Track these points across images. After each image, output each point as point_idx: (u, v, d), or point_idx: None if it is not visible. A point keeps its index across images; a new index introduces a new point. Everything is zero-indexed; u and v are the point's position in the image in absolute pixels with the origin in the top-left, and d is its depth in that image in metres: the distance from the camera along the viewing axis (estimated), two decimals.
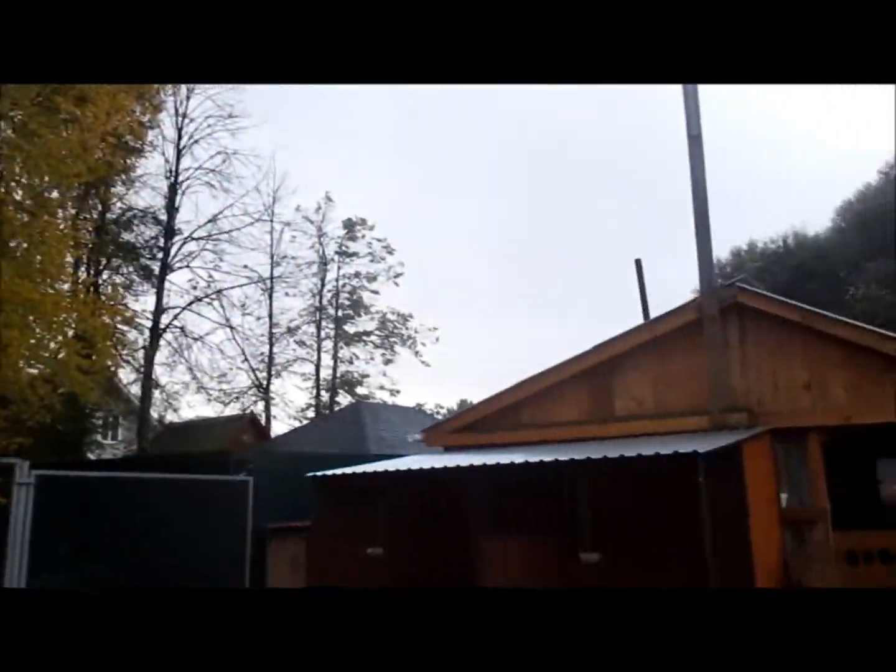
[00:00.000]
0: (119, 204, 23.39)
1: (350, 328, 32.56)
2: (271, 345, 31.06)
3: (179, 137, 25.34)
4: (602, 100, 62.73)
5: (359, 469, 8.93)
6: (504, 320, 64.21)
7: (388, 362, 32.59)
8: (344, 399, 31.75)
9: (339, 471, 8.99)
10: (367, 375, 32.97)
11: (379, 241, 32.39)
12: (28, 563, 7.70)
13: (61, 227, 11.96)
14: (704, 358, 8.43)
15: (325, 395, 32.46)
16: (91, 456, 22.16)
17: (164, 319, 24.00)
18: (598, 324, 40.58)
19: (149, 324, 23.29)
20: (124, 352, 23.06)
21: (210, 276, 25.84)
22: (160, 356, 24.53)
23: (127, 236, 24.20)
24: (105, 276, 24.00)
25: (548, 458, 7.18)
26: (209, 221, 25.80)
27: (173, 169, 25.12)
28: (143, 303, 24.65)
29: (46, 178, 10.46)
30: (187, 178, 25.37)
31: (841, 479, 8.56)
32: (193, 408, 60.18)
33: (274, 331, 31.24)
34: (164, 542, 9.11)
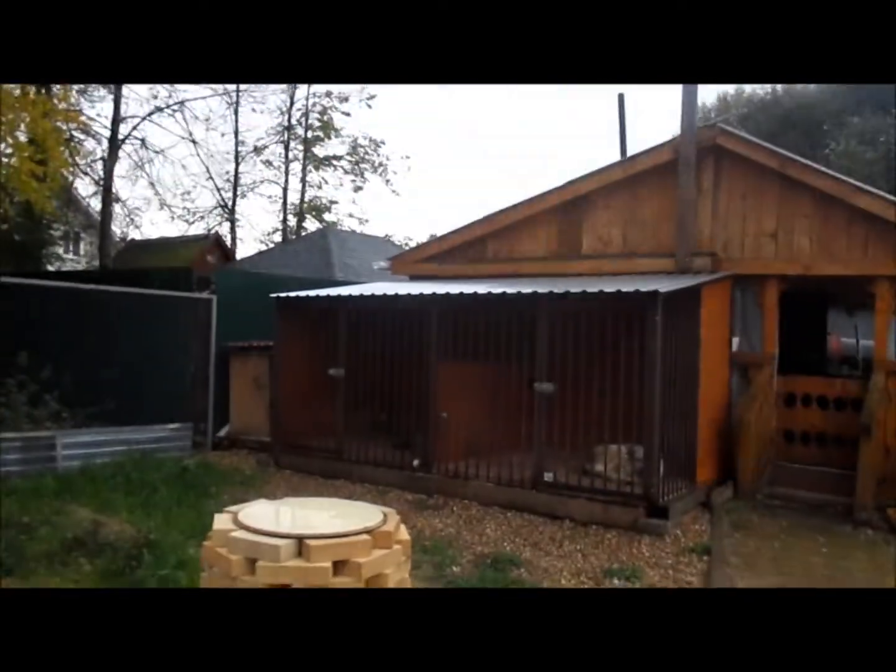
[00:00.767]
0: None
1: (319, 151, 31.38)
2: (237, 163, 29.94)
3: None
4: None
5: (323, 292, 8.94)
6: (485, 160, 62.52)
7: (357, 189, 31.83)
8: (311, 225, 31.22)
9: (303, 293, 9.00)
10: (335, 202, 32.27)
11: None
12: None
13: None
14: (676, 200, 8.34)
15: (292, 220, 31.90)
16: (51, 268, 21.82)
17: (123, 130, 22.82)
18: (583, 163, 39.71)
19: (107, 133, 22.17)
20: (81, 162, 22.11)
21: (171, 85, 24.31)
22: (120, 169, 23.58)
23: None
24: None
25: (511, 291, 7.24)
26: None
27: None
28: (100, 109, 23.30)
29: None
30: None
31: (793, 327, 8.83)
32: (157, 225, 59.14)
33: (240, 149, 30.02)
34: (125, 357, 9.18)
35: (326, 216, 31.80)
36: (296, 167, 31.52)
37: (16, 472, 7.49)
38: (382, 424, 8.96)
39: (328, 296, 8.64)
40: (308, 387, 8.78)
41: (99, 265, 23.03)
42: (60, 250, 26.62)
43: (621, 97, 11.45)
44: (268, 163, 30.90)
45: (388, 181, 31.72)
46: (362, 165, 31.29)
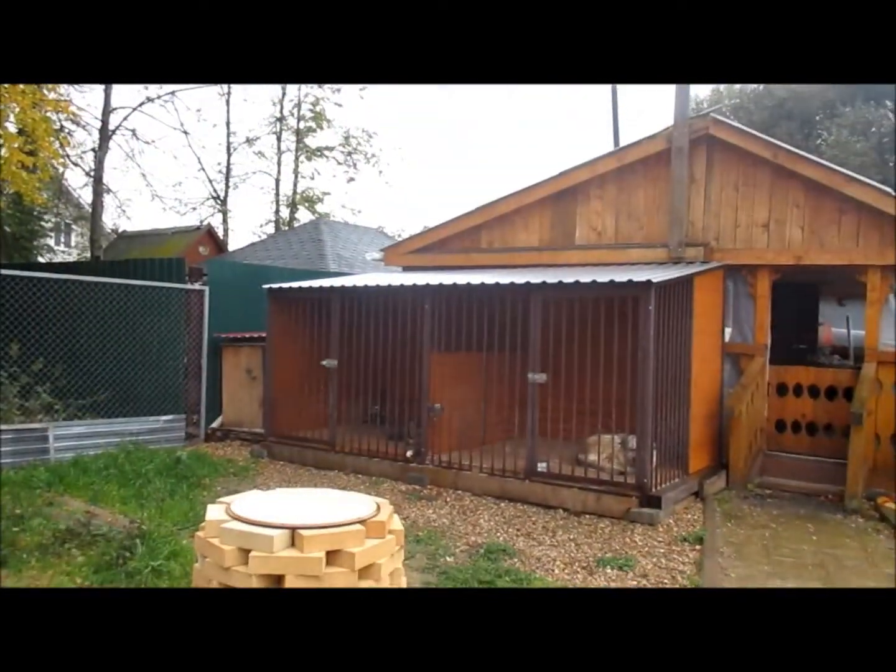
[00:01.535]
0: None
1: (312, 142, 31.28)
2: (229, 154, 29.86)
3: None
4: None
5: (316, 283, 8.93)
6: (479, 150, 62.32)
7: (350, 180, 31.73)
8: (304, 216, 31.13)
9: (296, 284, 8.99)
10: (328, 193, 32.21)
11: None
12: None
13: None
14: (669, 190, 8.35)
15: (284, 212, 31.80)
16: (42, 260, 21.69)
17: (114, 120, 22.66)
18: (578, 153, 39.61)
19: (97, 124, 22.00)
20: (72, 153, 21.95)
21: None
22: (111, 161, 23.41)
23: None
24: None
25: (504, 281, 7.24)
26: None
27: None
28: (90, 99, 23.11)
29: None
30: None
31: (785, 317, 8.88)
32: (148, 217, 58.85)
33: (231, 140, 29.93)
34: (117, 347, 9.14)
35: (319, 207, 31.72)
36: (288, 158, 31.41)
37: (8, 464, 7.47)
38: (375, 415, 8.96)
39: (321, 287, 8.62)
40: (301, 378, 8.78)
41: (90, 256, 22.91)
42: (52, 242, 26.49)
43: (614, 87, 11.44)
44: (260, 154, 30.78)
45: (380, 172, 31.67)
46: (355, 156, 31.19)
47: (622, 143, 11.67)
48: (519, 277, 7.42)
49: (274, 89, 29.75)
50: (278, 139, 30.78)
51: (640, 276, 6.69)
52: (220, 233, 29.27)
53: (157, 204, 27.17)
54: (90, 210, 23.75)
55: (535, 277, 7.29)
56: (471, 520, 6.41)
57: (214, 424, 10.07)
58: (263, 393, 9.32)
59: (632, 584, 5.00)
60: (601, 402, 6.73)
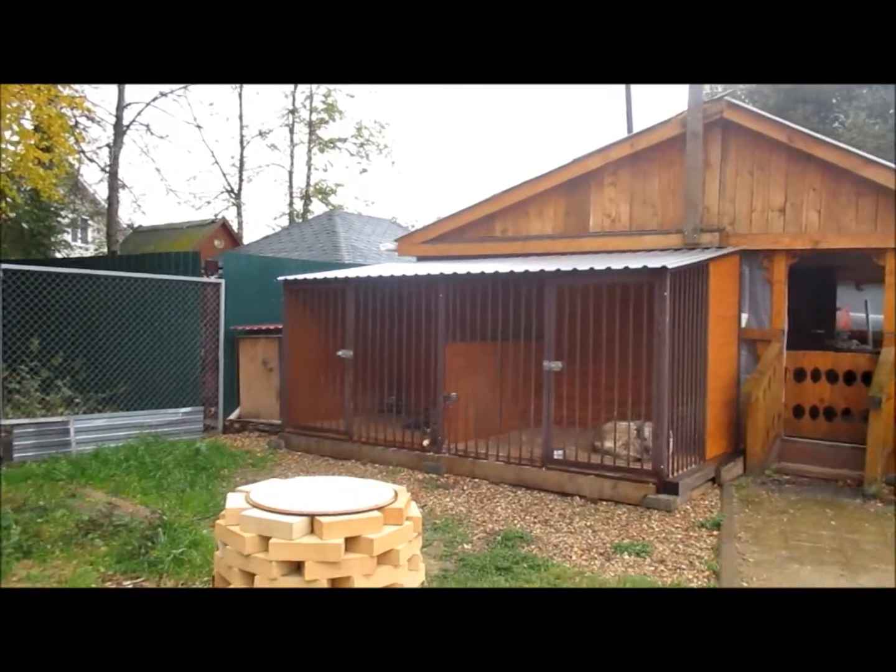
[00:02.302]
0: None
1: (324, 134, 31.30)
2: (242, 147, 29.94)
3: None
4: None
5: (330, 274, 8.96)
6: (491, 139, 62.04)
7: (363, 171, 31.77)
8: (318, 208, 31.20)
9: (310, 275, 9.02)
10: (341, 185, 32.23)
11: None
12: None
13: None
14: (683, 176, 8.29)
15: (298, 204, 31.86)
16: (59, 255, 21.89)
17: (128, 115, 22.79)
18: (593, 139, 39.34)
19: (112, 119, 22.13)
20: (87, 148, 22.11)
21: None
22: (126, 156, 23.55)
23: None
24: None
25: (518, 269, 7.23)
26: None
27: None
28: (104, 94, 23.24)
29: None
30: None
31: (802, 302, 8.81)
32: (163, 213, 59.22)
33: (244, 133, 30.00)
34: (135, 341, 9.24)
35: (332, 199, 31.75)
36: (301, 150, 31.45)
37: (30, 457, 7.59)
38: (392, 405, 9.00)
39: (336, 277, 8.65)
40: (317, 369, 8.83)
41: (107, 252, 23.10)
42: (69, 237, 26.68)
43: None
44: (273, 146, 30.85)
45: (393, 163, 31.64)
46: (367, 147, 31.17)
47: (636, 129, 11.59)
48: (533, 265, 7.41)
49: None
50: (291, 131, 30.82)
51: (655, 262, 6.66)
52: (235, 226, 29.39)
53: (172, 198, 27.51)
54: (106, 205, 23.93)
55: (549, 265, 7.28)
56: (488, 507, 6.44)
57: (232, 416, 10.16)
58: (280, 384, 9.39)
59: (649, 569, 5.01)
60: (617, 390, 6.73)
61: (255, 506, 2.97)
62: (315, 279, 8.80)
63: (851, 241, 7.63)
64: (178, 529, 4.97)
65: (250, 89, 28.99)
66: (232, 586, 2.92)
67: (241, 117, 29.64)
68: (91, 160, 23.34)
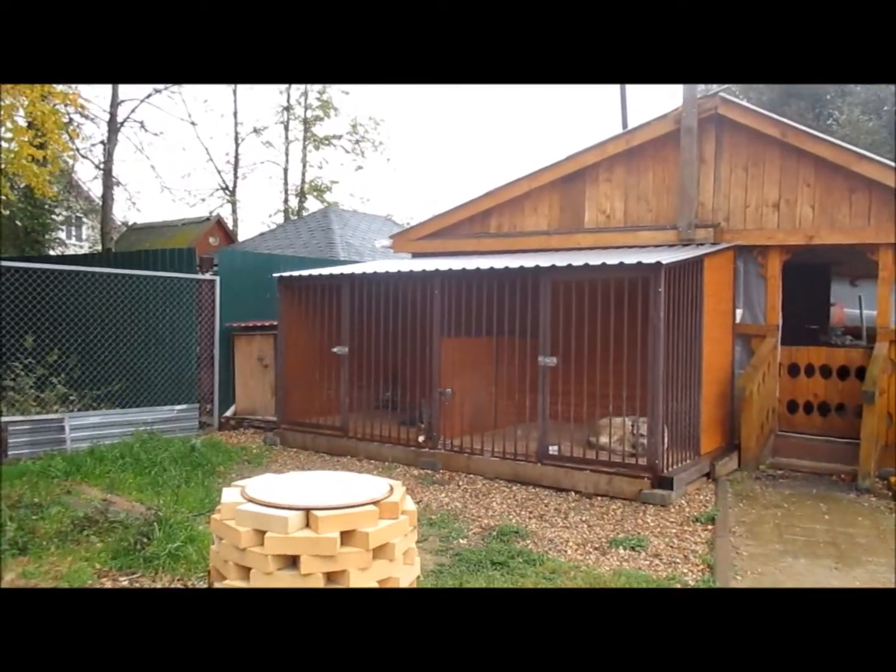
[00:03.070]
0: None
1: (319, 131, 31.26)
2: (237, 144, 29.89)
3: None
4: None
5: (326, 271, 8.96)
6: (487, 135, 61.99)
7: (358, 168, 31.70)
8: (313, 205, 31.15)
9: (306, 272, 9.02)
10: (336, 182, 32.20)
11: None
12: None
13: None
14: (678, 172, 8.31)
15: (293, 201, 31.81)
16: (53, 253, 21.82)
17: (122, 112, 22.73)
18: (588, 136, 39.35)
19: (106, 116, 22.06)
20: (81, 146, 22.05)
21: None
22: (120, 153, 23.48)
23: None
24: None
25: (513, 265, 7.24)
26: None
27: None
28: (98, 91, 23.16)
29: None
30: None
31: (796, 298, 8.83)
32: (158, 210, 59.00)
33: (239, 130, 29.95)
34: (130, 338, 9.22)
35: (328, 196, 31.71)
36: (296, 147, 31.42)
37: (25, 454, 7.57)
38: (387, 401, 9.01)
39: (331, 274, 8.65)
40: (312, 365, 8.83)
41: (102, 249, 23.04)
42: (63, 235, 26.61)
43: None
44: (268, 143, 30.80)
45: (388, 159, 31.60)
46: (362, 144, 31.14)
47: (630, 124, 11.59)
48: (528, 261, 7.42)
49: None
50: (286, 128, 30.79)
51: (649, 257, 6.68)
52: (230, 223, 29.36)
53: (167, 195, 27.44)
54: (100, 203, 23.87)
55: (544, 261, 7.29)
56: (483, 503, 6.46)
57: (228, 413, 10.15)
58: (276, 381, 9.38)
59: (644, 563, 5.03)
60: (612, 385, 6.74)
61: (251, 500, 2.97)
62: (310, 276, 8.80)
63: (845, 236, 7.66)
64: (173, 525, 4.96)
65: (245, 86, 28.94)
66: (228, 580, 2.92)
67: (235, 114, 29.60)
68: (85, 157, 23.29)
